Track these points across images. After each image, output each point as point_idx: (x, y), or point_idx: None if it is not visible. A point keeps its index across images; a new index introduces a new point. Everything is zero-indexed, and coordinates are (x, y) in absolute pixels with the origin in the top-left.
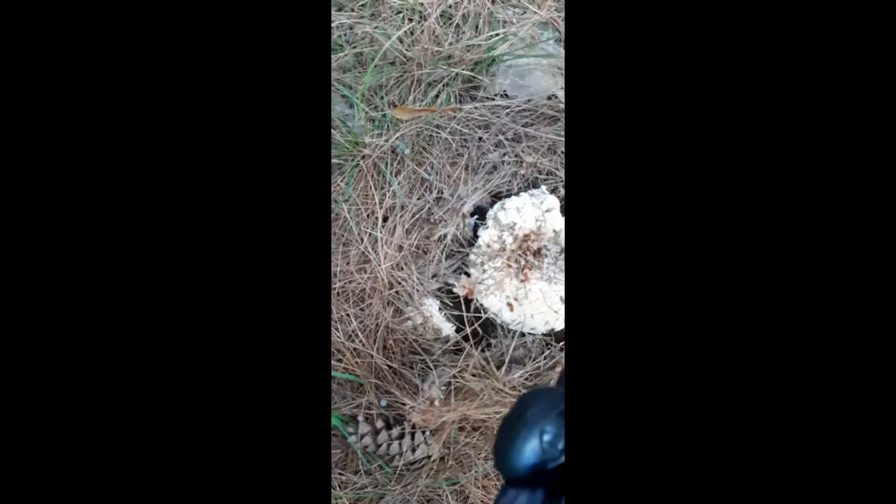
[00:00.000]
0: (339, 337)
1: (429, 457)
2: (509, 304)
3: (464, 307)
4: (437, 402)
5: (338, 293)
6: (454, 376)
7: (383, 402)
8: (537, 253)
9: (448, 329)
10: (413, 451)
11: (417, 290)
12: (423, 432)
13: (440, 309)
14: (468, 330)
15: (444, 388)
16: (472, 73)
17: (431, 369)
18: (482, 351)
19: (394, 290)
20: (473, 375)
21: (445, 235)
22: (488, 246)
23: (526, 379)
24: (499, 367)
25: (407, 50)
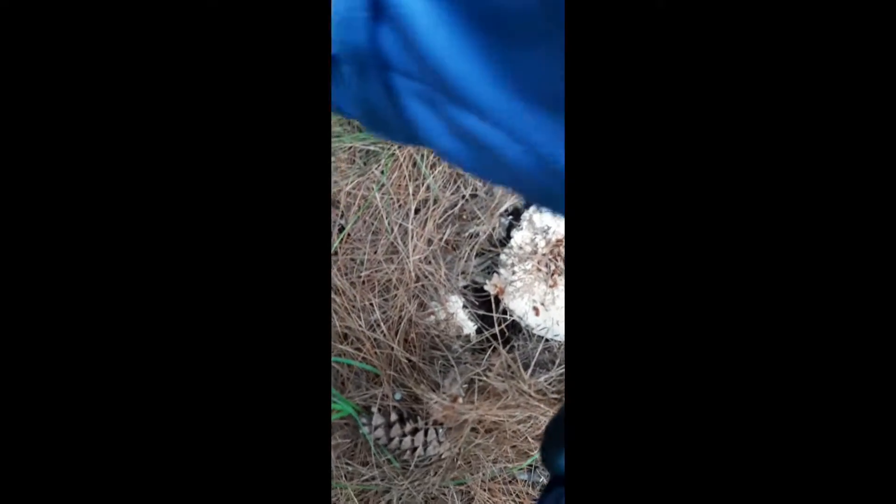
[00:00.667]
0: (360, 326)
1: (439, 455)
2: (535, 309)
3: (494, 307)
4: (460, 400)
5: (363, 282)
6: (478, 374)
7: (398, 395)
8: None
9: (470, 328)
10: (425, 447)
11: (444, 286)
12: (437, 430)
13: (464, 307)
14: (496, 329)
15: (465, 385)
16: None
17: (453, 366)
18: (509, 351)
19: (420, 283)
20: (499, 375)
21: (478, 233)
22: (520, 248)
23: (550, 384)
24: (524, 370)
25: None
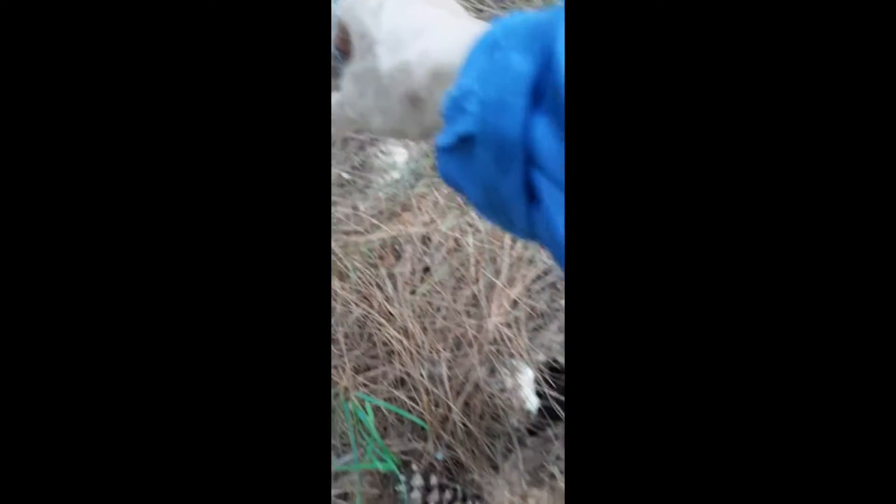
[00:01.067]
0: (422, 375)
1: None
2: None
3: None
4: (529, 500)
5: (437, 330)
6: (541, 465)
7: (439, 455)
8: None
9: (534, 404)
10: None
11: (520, 355)
12: (473, 502)
13: (535, 380)
14: None
15: (528, 474)
16: None
17: (514, 448)
18: None
19: (496, 346)
20: None
21: None
22: None
23: None
24: None
25: None
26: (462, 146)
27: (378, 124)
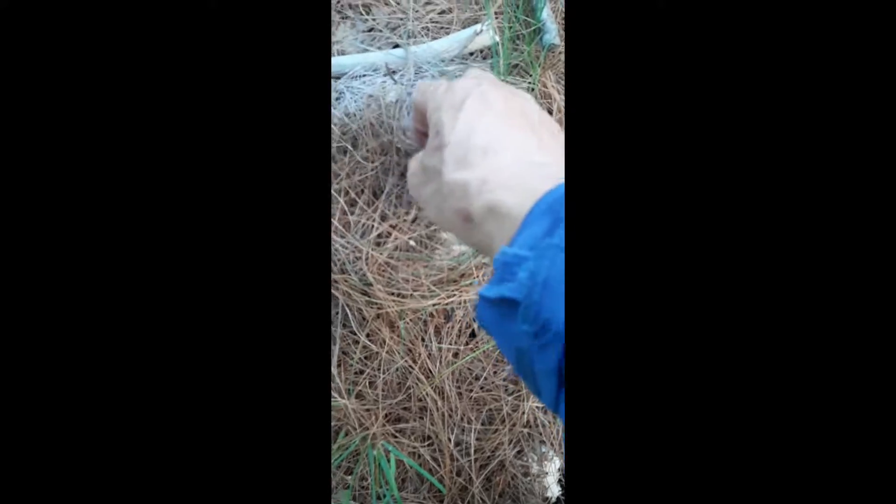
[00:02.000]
0: (449, 440)
1: None
2: None
3: None
4: None
5: (473, 398)
6: None
7: None
8: None
9: (555, 492)
10: None
11: (552, 444)
12: None
13: (559, 469)
14: None
15: None
16: None
17: None
18: None
19: (528, 429)
20: None
21: None
22: None
23: None
24: None
25: None
26: (504, 305)
27: (432, 216)
